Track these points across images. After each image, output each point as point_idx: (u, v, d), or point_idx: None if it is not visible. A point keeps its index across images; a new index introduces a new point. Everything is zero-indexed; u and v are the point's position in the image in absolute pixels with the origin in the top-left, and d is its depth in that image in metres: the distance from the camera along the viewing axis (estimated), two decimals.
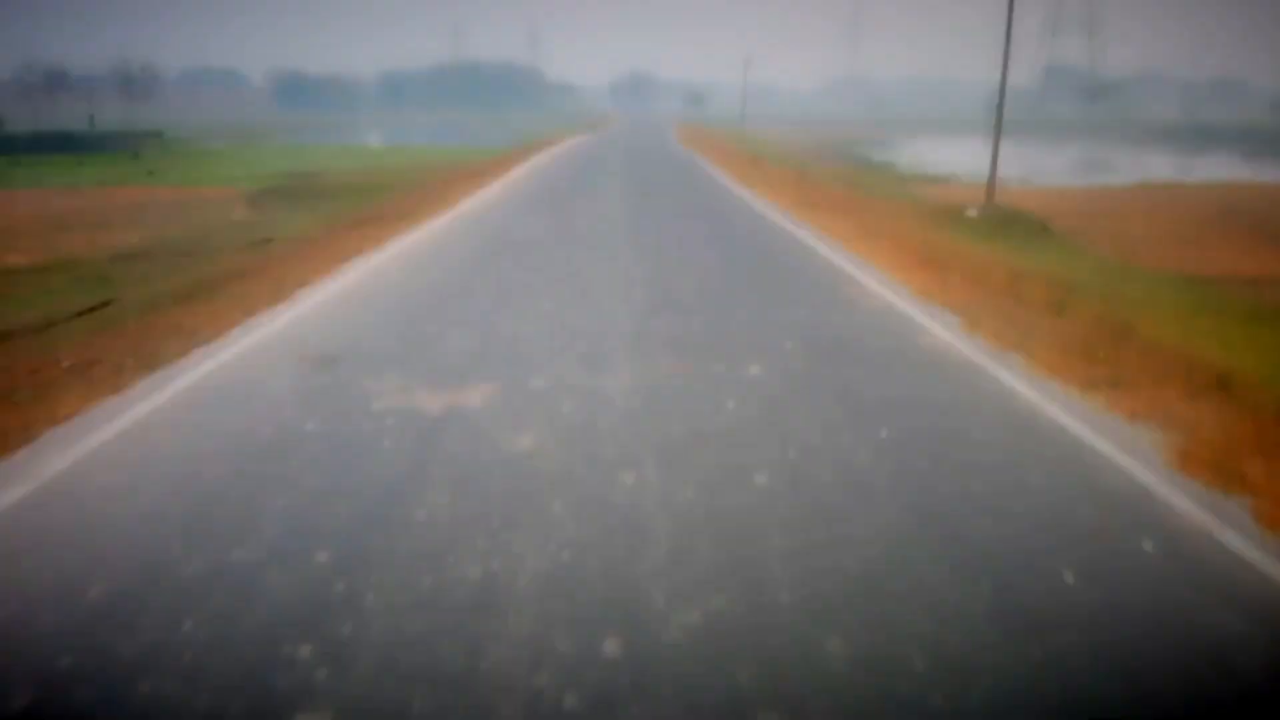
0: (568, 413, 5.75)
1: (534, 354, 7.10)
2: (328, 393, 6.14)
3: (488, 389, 6.16)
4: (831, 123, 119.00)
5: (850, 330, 8.32)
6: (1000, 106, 30.53)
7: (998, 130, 30.59)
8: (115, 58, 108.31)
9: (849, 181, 33.41)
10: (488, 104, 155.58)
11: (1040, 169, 43.82)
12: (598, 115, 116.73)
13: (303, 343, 7.49)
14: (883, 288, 10.33)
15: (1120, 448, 5.36)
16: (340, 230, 15.59)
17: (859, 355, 7.37)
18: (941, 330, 8.34)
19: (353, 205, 23.07)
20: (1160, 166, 52.64)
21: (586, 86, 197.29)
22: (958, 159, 56.21)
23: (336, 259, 11.73)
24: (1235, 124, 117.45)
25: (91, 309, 11.13)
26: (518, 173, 27.87)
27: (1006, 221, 24.74)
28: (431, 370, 6.61)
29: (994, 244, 20.28)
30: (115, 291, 13.02)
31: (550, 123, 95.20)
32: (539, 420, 5.59)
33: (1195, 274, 17.32)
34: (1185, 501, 4.64)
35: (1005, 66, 29.99)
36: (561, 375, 6.52)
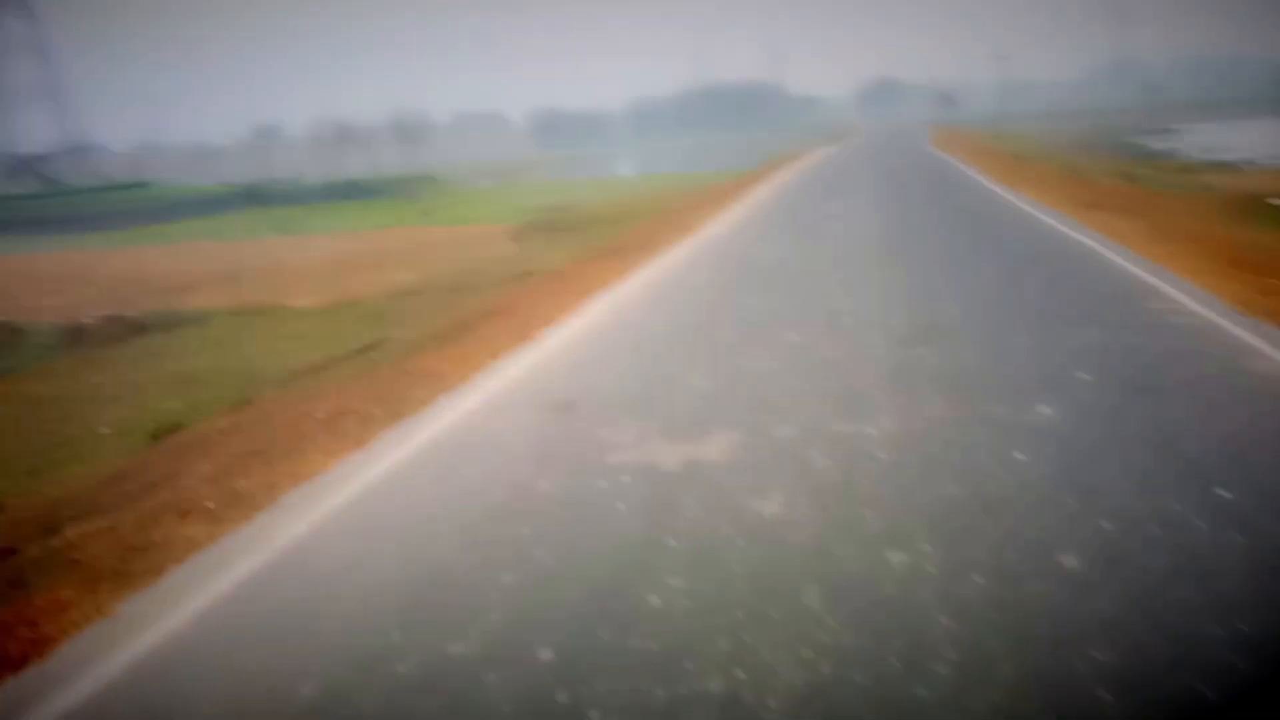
0: (820, 469, 5.03)
1: (780, 395, 6.44)
2: (564, 444, 5.78)
3: (730, 438, 5.56)
4: (1100, 113, 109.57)
5: (1159, 356, 7.00)
6: None
7: None
8: (393, 109, 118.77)
9: (1126, 175, 30.25)
10: (732, 124, 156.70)
11: None
12: (843, 126, 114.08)
13: (543, 387, 7.26)
14: (1191, 299, 8.79)
15: None
16: (588, 263, 15.66)
17: (1175, 389, 6.12)
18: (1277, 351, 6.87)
19: (601, 236, 23.50)
20: None
21: (830, 97, 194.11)
22: (1248, 143, 49.75)
23: (582, 293, 11.62)
24: None
25: (364, 349, 11.72)
26: (761, 193, 27.30)
27: None
28: (670, 416, 6.11)
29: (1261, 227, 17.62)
30: (386, 330, 13.78)
31: (795, 137, 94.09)
32: (786, 478, 4.91)
33: None
34: None
35: None
36: (812, 421, 5.81)
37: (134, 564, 4.39)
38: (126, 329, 17.54)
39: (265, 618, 3.87)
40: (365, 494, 5.13)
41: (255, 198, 68.75)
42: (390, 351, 10.85)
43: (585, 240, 23.17)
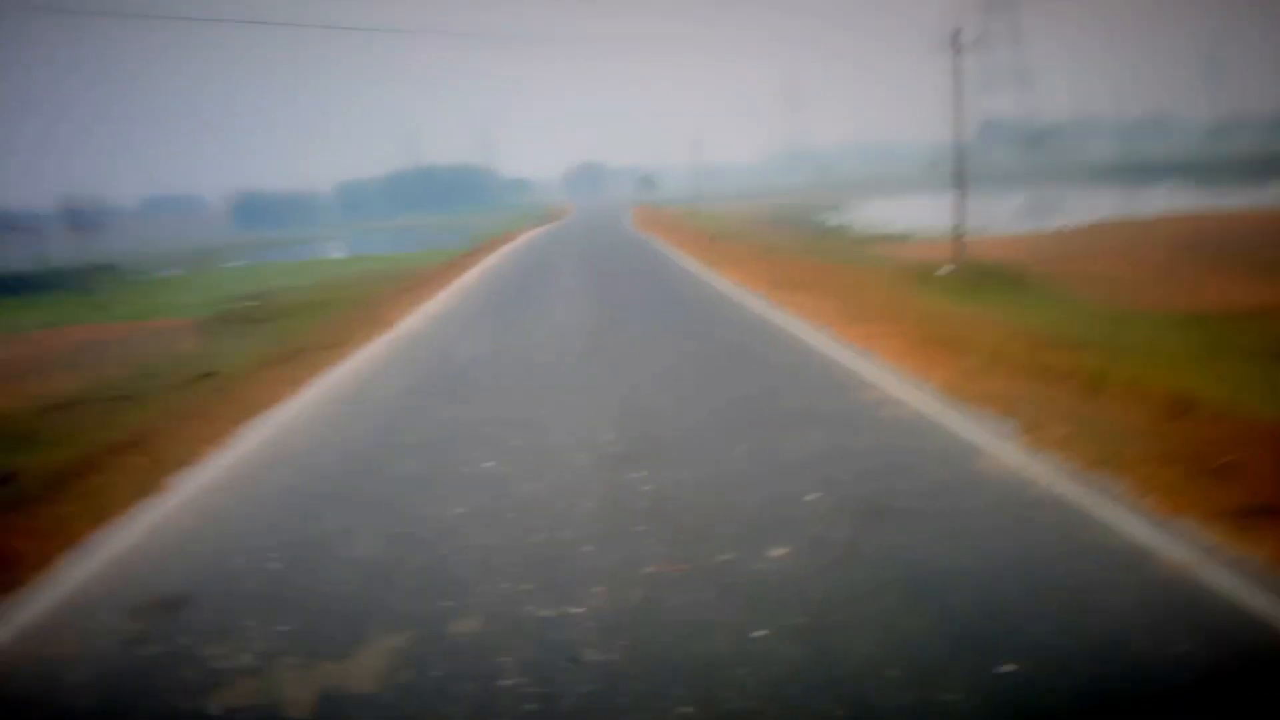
0: (512, 686, 3.72)
1: (463, 562, 5.06)
2: (150, 679, 4.06)
3: (389, 647, 4.11)
4: (780, 192, 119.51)
5: (886, 458, 6.38)
6: (958, 158, 29.49)
7: (959, 184, 29.43)
8: (63, 193, 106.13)
9: (811, 250, 32.07)
10: (445, 205, 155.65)
11: (993, 218, 42.79)
12: (553, 207, 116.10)
13: (148, 571, 5.43)
14: (900, 386, 8.48)
15: None
16: (264, 368, 13.56)
17: (916, 506, 5.39)
18: (999, 445, 6.46)
19: (296, 328, 21.28)
20: (1109, 204, 52.58)
21: (540, 179, 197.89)
22: (909, 216, 55.62)
23: (243, 412, 9.70)
24: (1170, 158, 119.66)
25: None
26: (468, 277, 26.07)
27: (980, 276, 23.42)
28: (311, 614, 4.55)
29: (973, 301, 18.96)
30: (29, 457, 11.20)
31: (506, 218, 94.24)
32: (462, 713, 3.55)
33: (1193, 311, 15.89)
34: None
35: (958, 121, 29.03)
36: (503, 602, 4.48)
37: None
38: None
39: None
40: None
41: None
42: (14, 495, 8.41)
43: (277, 331, 20.89)
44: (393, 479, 6.82)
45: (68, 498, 7.38)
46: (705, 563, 4.78)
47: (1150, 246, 28.46)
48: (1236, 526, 4.68)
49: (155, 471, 7.66)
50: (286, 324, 23.28)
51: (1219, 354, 11.53)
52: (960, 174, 29.27)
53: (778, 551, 4.84)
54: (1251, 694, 3.33)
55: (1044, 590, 4.24)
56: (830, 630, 3.95)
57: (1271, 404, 7.30)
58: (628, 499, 5.86)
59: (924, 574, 4.46)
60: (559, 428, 7.89)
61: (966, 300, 19.06)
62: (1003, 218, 45.36)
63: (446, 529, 5.60)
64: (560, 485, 6.24)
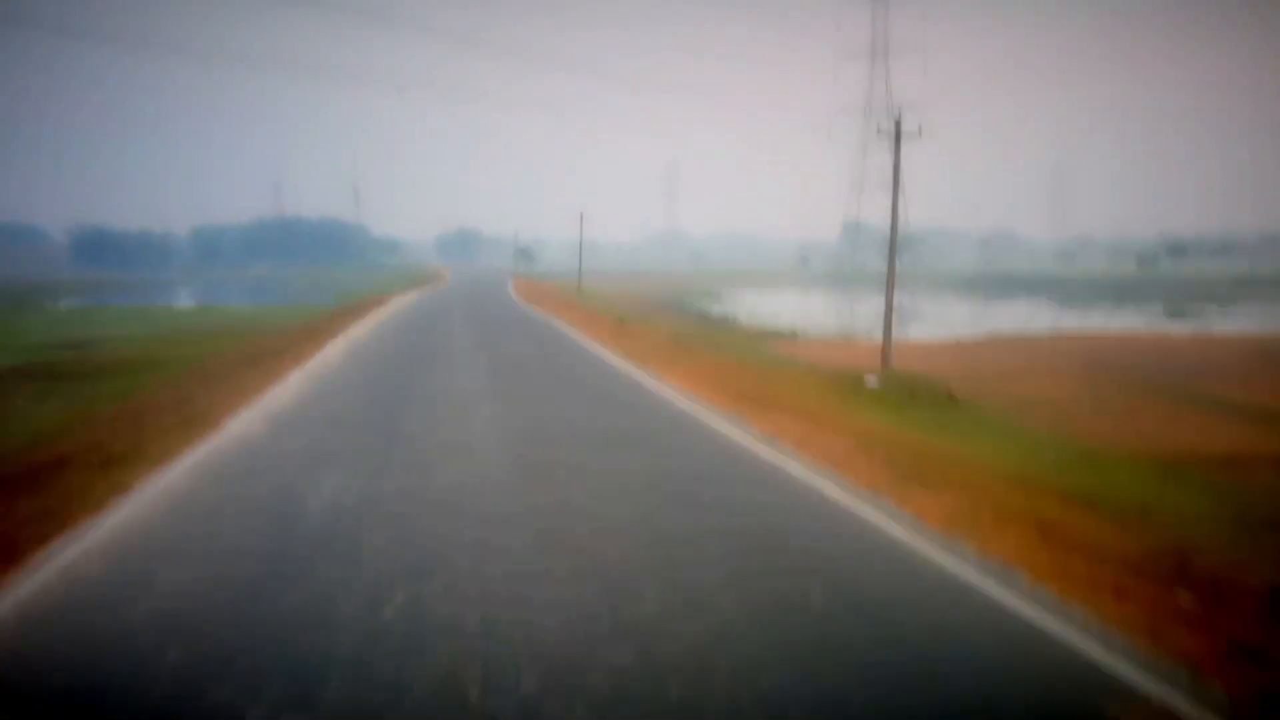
0: None
1: None
2: None
3: None
4: (657, 274, 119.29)
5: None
6: (891, 259, 27.67)
7: (890, 289, 27.59)
8: None
9: (716, 344, 29.72)
10: (309, 260, 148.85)
11: (876, 323, 42.15)
12: (427, 271, 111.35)
13: None
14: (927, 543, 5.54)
15: None
16: (38, 478, 9.35)
17: None
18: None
19: (100, 395, 17.04)
20: (991, 316, 54.84)
21: (412, 241, 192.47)
22: (787, 310, 55.28)
23: None
24: (1026, 272, 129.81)
25: None
26: (332, 350, 22.06)
27: (911, 391, 21.88)
28: None
29: (911, 421, 17.38)
30: None
31: (376, 279, 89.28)
32: None
33: (1153, 455, 14.49)
34: None
35: (895, 218, 27.33)
36: None
37: None
38: None
39: None
40: None
41: None
42: None
43: (76, 402, 16.65)
44: None
45: None
46: None
47: (1058, 367, 27.63)
48: None
49: None
50: (93, 388, 18.83)
51: (1244, 524, 9.50)
52: (891, 276, 27.49)
53: None
54: None
55: None
56: None
57: None
58: None
59: None
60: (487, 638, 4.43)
61: (898, 417, 17.29)
62: (879, 324, 44.98)
63: None
64: None
